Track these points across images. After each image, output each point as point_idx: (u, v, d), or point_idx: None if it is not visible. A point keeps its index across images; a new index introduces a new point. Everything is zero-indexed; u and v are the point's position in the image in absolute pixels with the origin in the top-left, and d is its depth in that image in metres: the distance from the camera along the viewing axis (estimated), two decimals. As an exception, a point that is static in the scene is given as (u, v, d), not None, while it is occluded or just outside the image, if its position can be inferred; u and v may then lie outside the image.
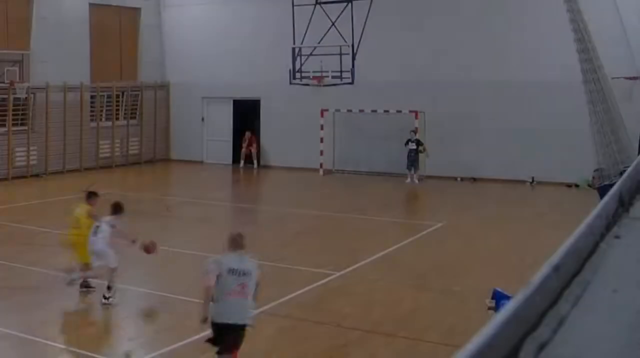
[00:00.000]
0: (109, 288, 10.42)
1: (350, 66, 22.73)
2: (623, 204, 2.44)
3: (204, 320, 7.45)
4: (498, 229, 16.63)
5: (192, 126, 29.24)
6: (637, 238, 2.14)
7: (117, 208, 10.73)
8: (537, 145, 22.79)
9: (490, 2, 23.70)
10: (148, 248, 10.59)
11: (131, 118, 28.51)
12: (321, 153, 25.70)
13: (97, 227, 10.59)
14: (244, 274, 7.37)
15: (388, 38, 24.53)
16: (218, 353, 7.41)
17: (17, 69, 23.98)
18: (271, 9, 26.49)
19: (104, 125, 27.35)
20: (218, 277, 7.30)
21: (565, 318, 1.47)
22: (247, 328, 7.41)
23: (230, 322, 7.27)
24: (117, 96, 27.77)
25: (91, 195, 11.20)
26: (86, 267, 10.80)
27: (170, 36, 29.53)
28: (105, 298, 10.38)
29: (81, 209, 11.11)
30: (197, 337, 8.98)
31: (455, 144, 24.01)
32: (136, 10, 28.75)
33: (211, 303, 7.36)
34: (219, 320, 7.30)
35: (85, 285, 10.96)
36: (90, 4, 26.50)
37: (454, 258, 13.66)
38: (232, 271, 7.33)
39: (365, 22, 22.42)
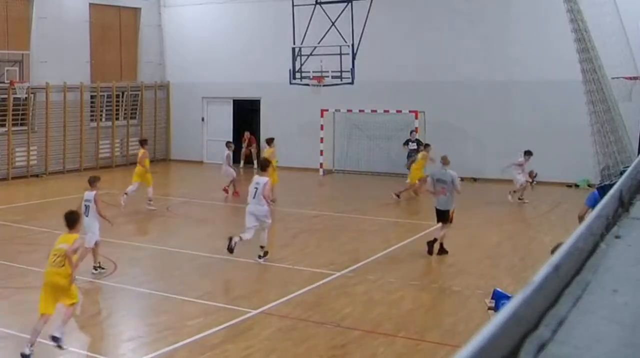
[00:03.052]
0: None
1: (350, 66, 22.71)
2: (623, 204, 2.44)
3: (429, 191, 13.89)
4: (498, 229, 16.64)
5: (192, 126, 29.25)
6: (637, 238, 2.14)
7: None
8: (537, 145, 22.77)
9: (490, 2, 23.71)
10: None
11: (131, 118, 28.52)
12: (321, 153, 25.70)
13: None
14: (444, 182, 13.17)
15: (388, 38, 24.54)
16: (442, 223, 13.42)
17: (17, 69, 23.98)
18: (271, 9, 26.49)
19: (104, 125, 27.36)
20: (434, 183, 13.27)
21: (565, 318, 1.47)
22: (450, 210, 13.33)
23: (441, 208, 13.37)
24: (117, 96, 27.78)
25: None
26: None
27: (170, 36, 29.53)
28: None
29: None
30: (197, 337, 9.00)
31: (456, 144, 24.00)
32: (136, 10, 28.77)
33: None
34: (436, 206, 13.48)
35: None
36: (90, 4, 26.52)
37: (454, 257, 13.67)
38: (438, 180, 13.27)
39: (365, 22, 22.41)
